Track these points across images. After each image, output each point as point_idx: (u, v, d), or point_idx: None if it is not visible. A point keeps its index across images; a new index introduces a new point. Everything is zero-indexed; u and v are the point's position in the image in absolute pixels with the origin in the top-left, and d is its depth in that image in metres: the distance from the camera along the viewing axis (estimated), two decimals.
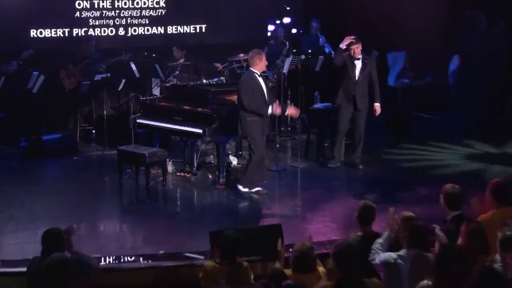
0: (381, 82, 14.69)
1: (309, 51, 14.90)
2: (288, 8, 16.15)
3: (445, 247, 6.74)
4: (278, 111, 11.21)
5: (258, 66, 11.03)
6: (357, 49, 12.09)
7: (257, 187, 11.34)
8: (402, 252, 7.09)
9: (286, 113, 11.66)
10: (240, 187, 11.24)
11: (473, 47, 14.81)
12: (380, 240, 7.46)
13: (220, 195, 11.70)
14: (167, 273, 8.67)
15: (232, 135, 12.30)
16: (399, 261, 7.01)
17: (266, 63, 11.46)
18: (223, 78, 14.07)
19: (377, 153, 13.36)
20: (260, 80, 11.07)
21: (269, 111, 10.99)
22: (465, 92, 14.40)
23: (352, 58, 12.13)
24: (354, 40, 12.11)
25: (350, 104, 12.23)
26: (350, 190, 11.86)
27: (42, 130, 13.72)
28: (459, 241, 6.88)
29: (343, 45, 12.16)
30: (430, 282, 6.07)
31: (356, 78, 12.15)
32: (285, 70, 13.58)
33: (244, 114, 10.99)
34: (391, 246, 7.43)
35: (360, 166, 12.47)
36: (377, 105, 12.46)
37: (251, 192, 11.22)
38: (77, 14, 14.91)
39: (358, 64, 12.18)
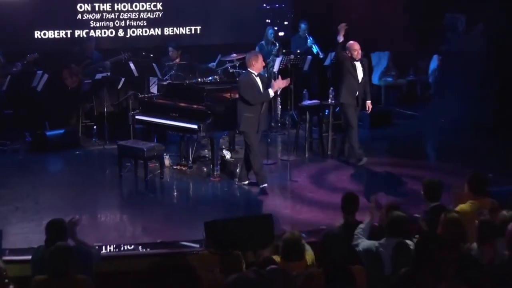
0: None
1: (298, 51, 14.91)
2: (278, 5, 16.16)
3: (425, 236, 6.78)
4: (280, 84, 11.21)
5: (255, 67, 10.97)
6: (359, 51, 12.05)
7: (248, 180, 11.44)
8: (383, 240, 7.14)
9: (280, 85, 11.33)
10: (261, 186, 11.18)
11: (453, 47, 14.85)
12: (362, 226, 7.52)
13: (214, 187, 11.72)
14: (166, 262, 8.69)
15: (225, 130, 12.40)
16: (380, 249, 7.05)
17: (264, 64, 11.41)
18: (217, 77, 14.09)
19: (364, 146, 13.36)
20: (258, 79, 11.02)
21: (271, 93, 11.02)
22: (444, 90, 14.41)
23: (353, 59, 12.07)
24: (347, 27, 12.12)
25: (354, 102, 12.21)
26: (338, 182, 11.81)
27: (46, 126, 13.73)
28: (438, 229, 6.93)
29: (340, 37, 12.11)
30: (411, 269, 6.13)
31: (360, 79, 12.11)
32: (275, 69, 13.61)
33: (243, 109, 10.98)
34: (375, 234, 7.47)
35: (365, 158, 12.39)
36: (368, 103, 12.48)
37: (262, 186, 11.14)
38: (79, 16, 14.90)
39: (358, 65, 12.13)
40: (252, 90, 10.94)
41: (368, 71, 12.51)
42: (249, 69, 11.05)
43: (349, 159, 12.68)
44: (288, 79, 11.52)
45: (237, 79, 12.06)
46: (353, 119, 12.28)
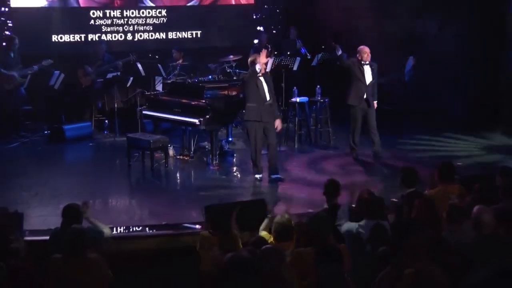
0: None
1: (288, 53, 14.90)
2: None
3: (400, 218, 6.82)
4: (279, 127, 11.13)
5: (260, 61, 10.80)
6: (369, 53, 11.74)
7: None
8: (362, 222, 7.17)
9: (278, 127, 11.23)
10: (256, 176, 11.07)
11: (426, 48, 14.83)
12: (342, 209, 7.56)
13: (213, 174, 11.71)
14: (169, 243, 8.72)
15: (223, 124, 12.41)
16: (360, 230, 7.09)
17: (267, 56, 11.20)
18: (216, 76, 14.12)
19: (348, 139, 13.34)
20: (261, 79, 10.80)
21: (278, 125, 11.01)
22: (419, 88, 14.40)
23: (362, 63, 11.74)
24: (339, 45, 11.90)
25: (362, 104, 11.81)
26: (324, 169, 11.84)
27: (63, 120, 13.72)
28: (413, 212, 6.96)
29: (339, 51, 11.88)
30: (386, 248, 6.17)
31: (367, 82, 11.75)
32: (268, 69, 13.64)
33: (247, 100, 10.92)
34: (354, 217, 7.49)
35: (380, 155, 11.98)
36: (375, 103, 11.98)
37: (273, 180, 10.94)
38: (92, 22, 14.91)
39: (367, 68, 11.78)
40: (248, 86, 10.91)
41: (377, 74, 12.11)
42: (253, 68, 10.82)
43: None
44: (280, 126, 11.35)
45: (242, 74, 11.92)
46: (356, 120, 11.91)
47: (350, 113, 11.96)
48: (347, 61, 12.09)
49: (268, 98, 10.81)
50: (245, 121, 11.18)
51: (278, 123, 11.06)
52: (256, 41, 15.51)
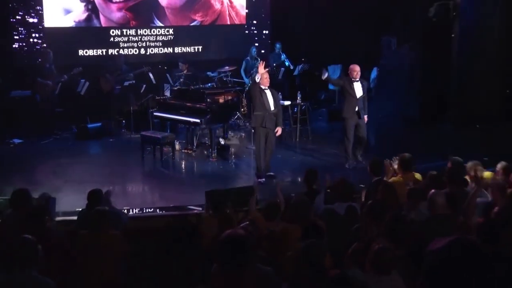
0: (324, 86, 14.74)
1: (274, 64, 14.87)
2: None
3: (368, 201, 6.80)
4: (279, 132, 10.83)
5: (262, 82, 10.53)
6: (358, 72, 11.21)
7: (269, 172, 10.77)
8: (336, 204, 7.16)
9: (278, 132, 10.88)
10: (259, 180, 10.42)
11: (387, 61, 14.85)
12: (320, 196, 7.56)
13: (212, 165, 11.72)
14: (176, 222, 8.69)
15: (220, 123, 12.44)
16: (335, 210, 7.07)
17: (268, 80, 10.69)
18: (214, 84, 14.12)
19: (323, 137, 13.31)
20: (267, 92, 10.54)
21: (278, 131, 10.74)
22: (381, 97, 14.37)
23: (352, 80, 11.18)
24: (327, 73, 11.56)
25: (354, 116, 11.24)
26: (303, 160, 11.87)
27: (88, 120, 13.68)
28: (378, 196, 6.95)
29: (324, 75, 11.40)
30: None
31: (358, 96, 11.17)
32: (257, 79, 13.57)
33: (254, 109, 10.74)
34: (330, 199, 7.47)
35: (360, 158, 11.40)
36: (365, 116, 11.43)
37: (266, 176, 10.57)
38: (111, 39, 14.84)
39: (357, 84, 11.21)
40: (252, 96, 10.77)
41: (367, 90, 11.66)
42: (258, 82, 10.56)
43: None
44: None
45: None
46: (349, 131, 11.32)
47: (344, 124, 11.44)
48: (338, 80, 11.90)
49: (272, 108, 10.58)
50: (253, 128, 10.96)
51: (279, 130, 10.78)
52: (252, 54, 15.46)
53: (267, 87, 10.58)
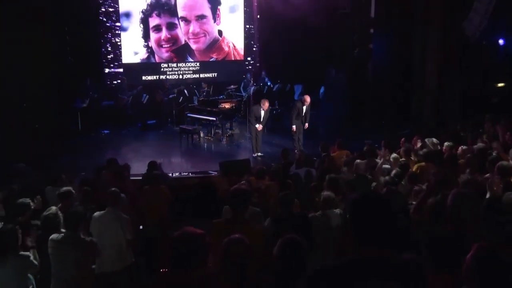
0: (291, 99, 14.54)
1: (261, 84, 14.76)
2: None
3: (319, 168, 6.76)
4: (260, 128, 10.52)
5: (263, 106, 10.40)
6: (308, 101, 10.67)
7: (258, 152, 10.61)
8: (300, 169, 7.14)
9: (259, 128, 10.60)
10: (257, 154, 10.54)
11: (330, 83, 14.73)
12: (293, 165, 7.53)
13: (223, 146, 11.65)
14: (201, 181, 8.68)
15: (228, 120, 12.30)
16: (299, 173, 7.03)
17: (267, 105, 10.47)
18: (223, 96, 13.94)
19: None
20: (262, 112, 10.40)
21: (258, 127, 10.46)
22: (326, 105, 14.25)
23: (303, 104, 10.70)
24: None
25: (299, 124, 10.74)
26: (280, 144, 11.57)
27: (147, 119, 13.53)
28: (325, 165, 6.91)
29: (294, 129, 10.76)
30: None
31: (303, 113, 10.71)
32: (250, 93, 13.46)
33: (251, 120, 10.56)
34: (297, 166, 7.42)
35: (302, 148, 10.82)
36: (306, 124, 10.91)
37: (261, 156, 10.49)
38: (162, 69, 14.66)
39: (305, 107, 10.69)
40: (252, 113, 10.55)
41: (309, 110, 10.90)
42: (257, 107, 10.40)
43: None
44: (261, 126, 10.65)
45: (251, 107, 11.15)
46: (297, 132, 10.80)
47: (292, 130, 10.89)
48: (294, 111, 10.82)
49: (262, 119, 10.49)
50: (250, 127, 10.67)
51: (260, 127, 10.53)
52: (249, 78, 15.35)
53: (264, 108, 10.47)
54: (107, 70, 14.10)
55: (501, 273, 2.29)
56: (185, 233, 2.56)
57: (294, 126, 10.78)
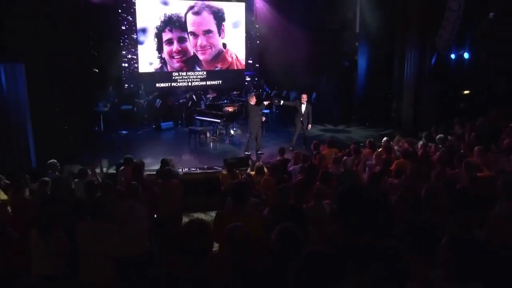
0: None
1: (260, 90, 14.74)
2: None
3: (310, 164, 6.72)
4: (253, 100, 10.10)
5: (251, 101, 10.20)
6: (305, 98, 10.48)
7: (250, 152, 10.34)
8: (295, 166, 7.10)
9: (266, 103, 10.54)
10: (258, 152, 10.25)
11: (321, 88, 14.70)
12: (290, 162, 7.50)
13: (226, 145, 11.58)
14: (207, 176, 8.67)
15: (231, 122, 12.23)
16: (296, 169, 6.98)
17: (255, 100, 10.29)
18: (227, 101, 13.88)
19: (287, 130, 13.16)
20: (255, 107, 10.14)
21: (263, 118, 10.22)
22: (318, 106, 14.21)
23: (301, 103, 10.48)
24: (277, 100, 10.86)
25: (299, 125, 10.53)
26: (278, 144, 11.65)
27: (160, 121, 13.47)
28: (315, 162, 6.89)
29: (280, 103, 10.65)
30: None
31: (303, 113, 10.47)
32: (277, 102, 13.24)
33: (250, 117, 10.29)
34: (294, 162, 7.42)
35: (294, 144, 10.68)
36: (309, 125, 10.69)
37: (249, 154, 10.17)
38: (173, 77, 14.60)
39: (304, 106, 10.46)
40: (247, 109, 10.52)
41: (311, 110, 10.59)
42: (250, 102, 10.24)
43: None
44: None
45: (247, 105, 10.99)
46: (296, 133, 10.63)
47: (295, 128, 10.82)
48: (291, 102, 10.95)
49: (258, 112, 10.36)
50: (252, 126, 10.24)
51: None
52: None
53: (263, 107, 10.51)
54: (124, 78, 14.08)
55: (471, 254, 2.32)
56: (192, 223, 2.54)
57: (282, 101, 10.93)
